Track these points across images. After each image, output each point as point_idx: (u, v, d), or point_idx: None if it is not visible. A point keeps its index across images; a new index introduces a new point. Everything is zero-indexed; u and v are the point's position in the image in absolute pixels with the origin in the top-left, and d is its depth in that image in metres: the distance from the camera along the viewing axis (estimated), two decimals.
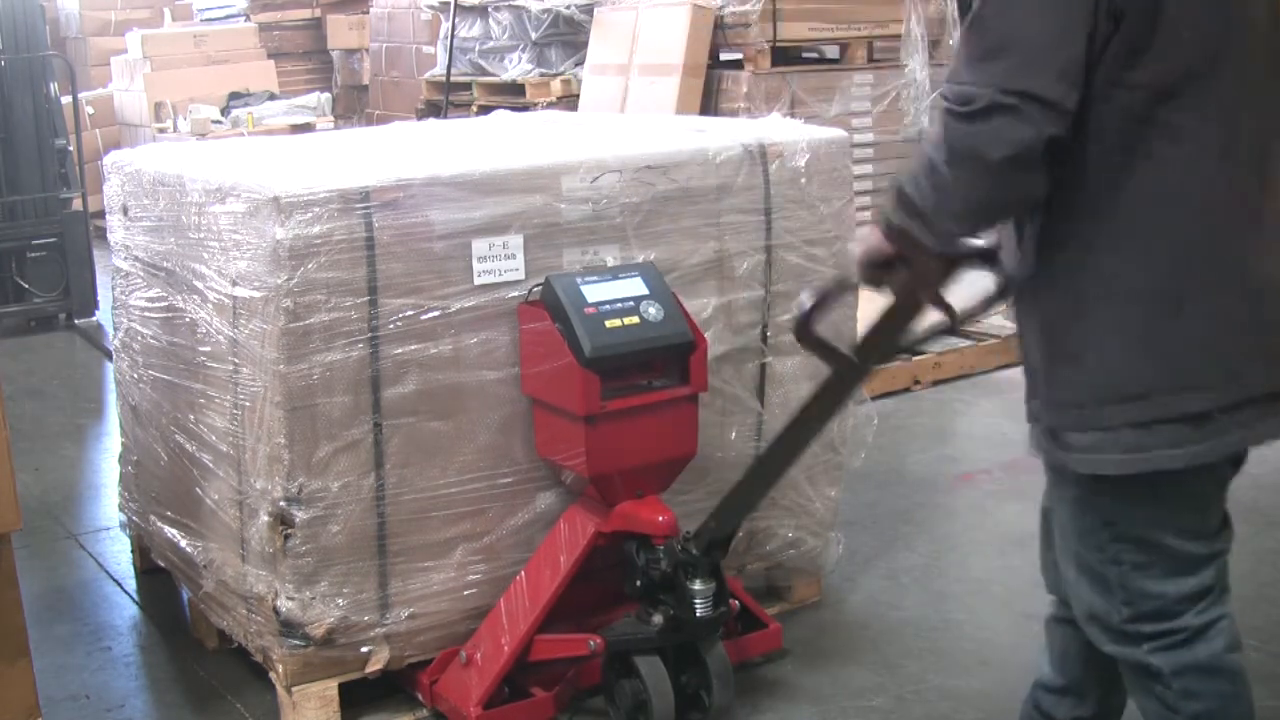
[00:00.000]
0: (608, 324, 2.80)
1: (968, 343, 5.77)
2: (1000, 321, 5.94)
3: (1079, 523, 2.17)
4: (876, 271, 2.14)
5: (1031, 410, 2.19)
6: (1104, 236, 2.02)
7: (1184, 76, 1.95)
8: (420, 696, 3.02)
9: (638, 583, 2.88)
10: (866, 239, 2.15)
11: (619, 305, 2.84)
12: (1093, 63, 1.93)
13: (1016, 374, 2.29)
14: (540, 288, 2.88)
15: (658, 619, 2.85)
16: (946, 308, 2.21)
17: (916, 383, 5.50)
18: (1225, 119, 1.98)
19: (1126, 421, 2.04)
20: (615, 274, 2.91)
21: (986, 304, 2.26)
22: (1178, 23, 1.92)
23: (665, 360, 2.89)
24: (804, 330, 2.34)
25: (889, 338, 2.31)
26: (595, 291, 2.84)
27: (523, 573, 2.97)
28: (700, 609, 2.83)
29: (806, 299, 2.31)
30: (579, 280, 2.86)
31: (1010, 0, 1.93)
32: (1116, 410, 2.04)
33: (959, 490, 4.43)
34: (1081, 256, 2.04)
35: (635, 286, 2.88)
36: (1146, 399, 2.02)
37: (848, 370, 2.40)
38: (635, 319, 2.83)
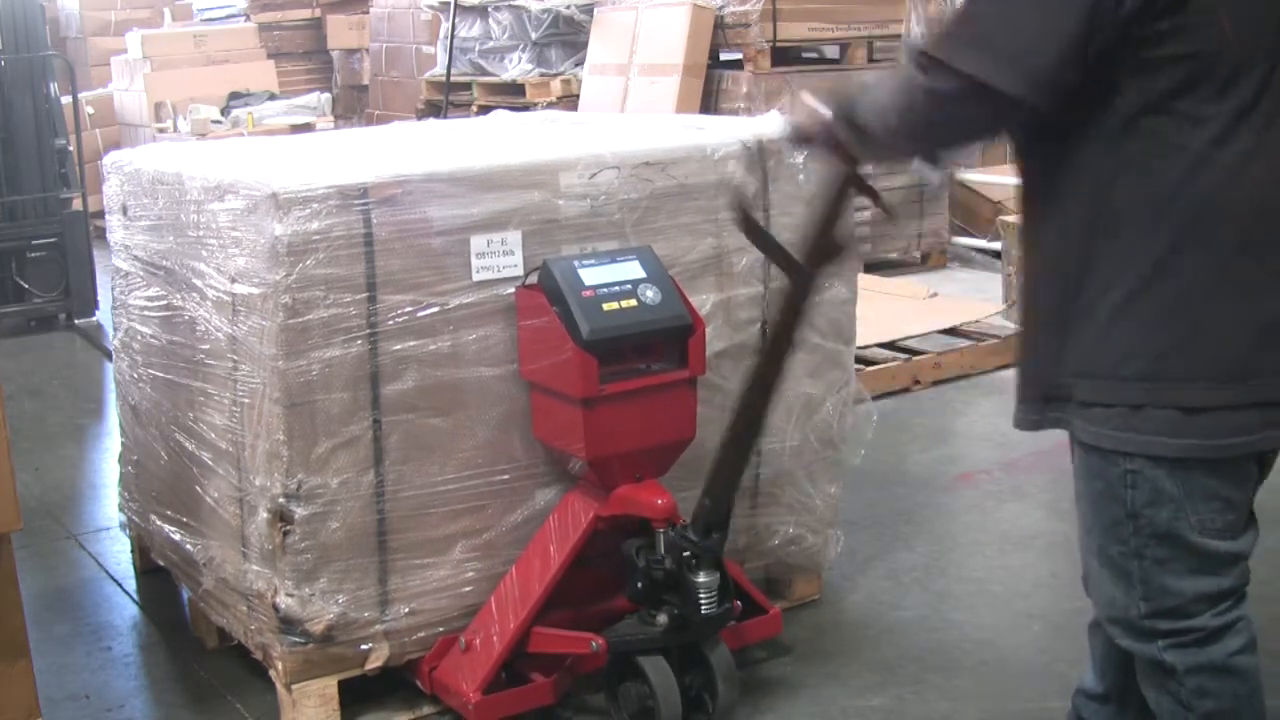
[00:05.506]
0: (605, 307, 2.79)
1: (968, 343, 5.77)
2: (1000, 322, 5.95)
3: (1104, 516, 2.15)
4: (801, 143, 2.44)
5: (1033, 382, 2.18)
6: (1128, 220, 2.02)
7: (1218, 69, 1.94)
8: (420, 683, 3.01)
9: (639, 585, 2.86)
10: (801, 112, 2.37)
11: (616, 288, 2.83)
12: (1107, 49, 1.94)
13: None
14: (538, 271, 2.88)
15: (662, 619, 2.83)
16: (873, 194, 2.49)
17: (916, 383, 5.49)
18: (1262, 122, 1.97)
19: (1125, 401, 2.04)
20: (613, 257, 2.90)
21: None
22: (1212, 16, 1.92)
23: (663, 343, 2.88)
24: (749, 222, 2.61)
25: (827, 234, 2.52)
26: (592, 275, 2.83)
27: (521, 559, 2.96)
28: (705, 605, 2.80)
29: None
30: (576, 263, 2.85)
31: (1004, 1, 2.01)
32: (1118, 388, 2.04)
33: (959, 490, 4.42)
34: (1100, 239, 2.04)
35: (633, 270, 2.88)
36: (1147, 382, 2.02)
37: (799, 275, 2.58)
38: (633, 302, 2.82)
